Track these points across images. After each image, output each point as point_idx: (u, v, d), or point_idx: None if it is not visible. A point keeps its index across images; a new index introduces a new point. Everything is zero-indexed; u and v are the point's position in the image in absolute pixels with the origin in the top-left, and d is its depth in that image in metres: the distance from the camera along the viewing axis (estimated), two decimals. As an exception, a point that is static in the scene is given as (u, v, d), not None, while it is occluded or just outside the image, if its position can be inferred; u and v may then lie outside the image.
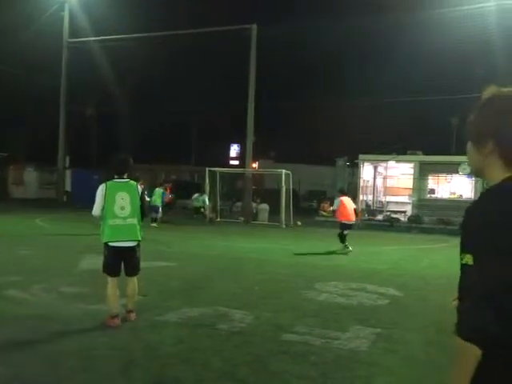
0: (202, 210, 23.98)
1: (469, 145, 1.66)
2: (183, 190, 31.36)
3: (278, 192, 23.98)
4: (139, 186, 6.25)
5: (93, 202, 6.05)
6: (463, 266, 1.54)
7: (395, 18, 25.77)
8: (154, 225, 18.80)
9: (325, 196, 34.36)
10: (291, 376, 4.65)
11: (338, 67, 39.14)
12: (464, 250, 1.54)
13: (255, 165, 31.09)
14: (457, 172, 24.28)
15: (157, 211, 19.68)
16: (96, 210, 6.00)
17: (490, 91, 1.62)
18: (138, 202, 6.06)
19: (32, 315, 6.22)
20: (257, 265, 11.05)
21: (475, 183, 24.00)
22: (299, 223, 23.01)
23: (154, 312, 6.55)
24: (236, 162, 43.90)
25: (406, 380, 4.74)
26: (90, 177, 26.94)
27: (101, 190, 5.98)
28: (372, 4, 29.75)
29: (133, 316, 6.13)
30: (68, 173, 33.13)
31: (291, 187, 24.36)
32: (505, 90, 1.59)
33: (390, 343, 5.70)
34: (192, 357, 5.02)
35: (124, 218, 5.92)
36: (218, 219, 24.88)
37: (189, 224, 21.94)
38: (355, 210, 14.30)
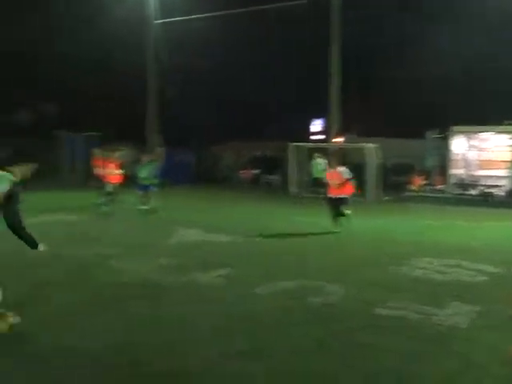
0: None
1: None
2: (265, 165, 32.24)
3: (363, 167, 23.36)
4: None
5: None
6: None
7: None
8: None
9: (414, 169, 33.03)
10: (384, 350, 4.64)
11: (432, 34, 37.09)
12: None
13: (341, 139, 30.41)
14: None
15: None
16: None
17: None
18: None
19: (130, 283, 6.70)
20: (343, 242, 10.99)
21: None
22: (387, 198, 22.48)
23: (249, 284, 6.77)
24: (318, 137, 43.29)
25: (507, 356, 4.57)
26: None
27: None
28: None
29: None
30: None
31: (377, 162, 23.70)
32: None
33: (490, 320, 5.50)
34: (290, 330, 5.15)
35: None
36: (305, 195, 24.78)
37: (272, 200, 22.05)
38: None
